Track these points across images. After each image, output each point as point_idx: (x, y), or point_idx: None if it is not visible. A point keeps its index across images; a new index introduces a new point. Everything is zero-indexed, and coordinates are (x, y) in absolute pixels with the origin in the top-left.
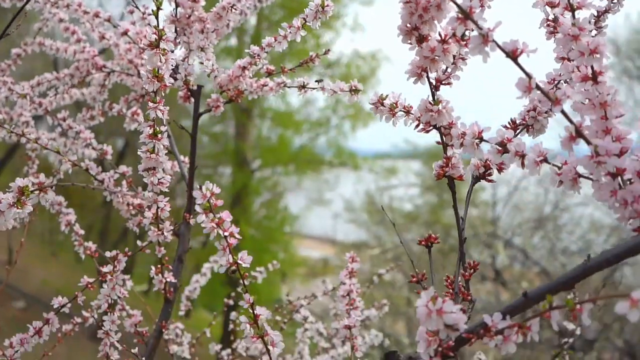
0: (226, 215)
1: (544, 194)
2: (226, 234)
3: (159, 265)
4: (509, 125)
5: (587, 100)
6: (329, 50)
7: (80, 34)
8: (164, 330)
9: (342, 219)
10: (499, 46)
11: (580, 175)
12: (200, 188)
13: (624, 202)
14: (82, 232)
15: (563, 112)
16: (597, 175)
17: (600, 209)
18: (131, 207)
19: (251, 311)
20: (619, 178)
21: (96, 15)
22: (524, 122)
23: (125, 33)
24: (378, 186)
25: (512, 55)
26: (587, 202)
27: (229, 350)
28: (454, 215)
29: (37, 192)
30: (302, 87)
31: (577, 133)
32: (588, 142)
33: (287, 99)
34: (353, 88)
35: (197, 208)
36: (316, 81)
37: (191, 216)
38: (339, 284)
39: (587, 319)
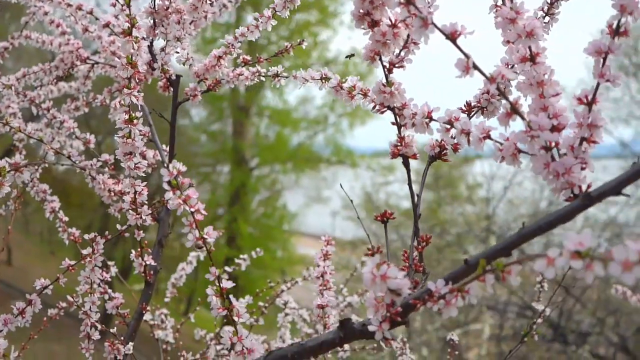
0: (192, 193)
1: (539, 190)
2: (193, 210)
3: (139, 249)
4: (464, 108)
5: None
6: (303, 40)
7: (65, 26)
8: (144, 311)
9: (340, 216)
10: (438, 28)
11: (520, 151)
12: (168, 167)
13: (556, 173)
14: (66, 218)
15: (498, 89)
16: (532, 149)
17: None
18: (112, 194)
19: (218, 284)
20: (552, 151)
21: (79, 7)
22: (478, 104)
23: (107, 25)
24: (374, 183)
25: (452, 37)
26: None
27: (212, 335)
28: (451, 212)
29: (12, 172)
30: (276, 75)
31: (513, 109)
32: (523, 118)
33: (285, 97)
34: (323, 77)
35: (165, 185)
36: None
37: None
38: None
39: (516, 280)
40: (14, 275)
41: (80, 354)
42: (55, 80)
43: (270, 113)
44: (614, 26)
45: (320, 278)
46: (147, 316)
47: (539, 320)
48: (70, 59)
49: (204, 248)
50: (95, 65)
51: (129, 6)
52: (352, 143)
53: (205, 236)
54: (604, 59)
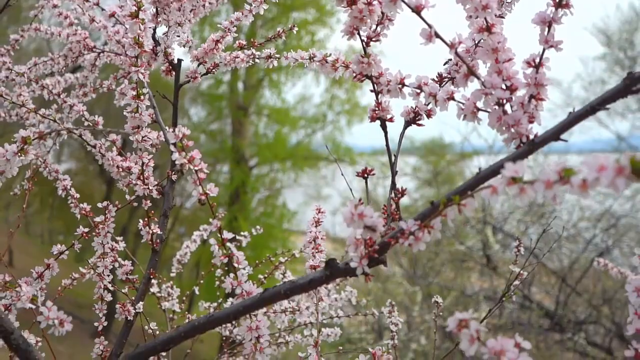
0: (196, 154)
1: None
2: (197, 168)
3: (147, 219)
4: (436, 78)
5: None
6: (294, 26)
7: (73, 18)
8: (152, 277)
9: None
10: (405, 3)
11: (478, 109)
12: (174, 130)
13: (507, 125)
14: (77, 195)
15: (457, 54)
16: (487, 105)
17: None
18: (120, 170)
19: (219, 235)
20: (505, 107)
21: (86, 0)
22: (449, 74)
23: (112, 15)
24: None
25: (417, 9)
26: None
27: (215, 304)
28: None
29: (37, 140)
30: (269, 57)
31: (470, 71)
32: (478, 78)
33: (283, 95)
34: (311, 56)
35: (171, 147)
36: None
37: (174, 174)
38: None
39: (471, 211)
40: (16, 276)
41: (82, 354)
42: (64, 69)
43: (269, 112)
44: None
45: (313, 242)
46: (154, 289)
47: (516, 282)
48: (78, 48)
49: (207, 202)
50: (101, 54)
51: None
52: (351, 141)
53: (207, 191)
54: (549, 27)
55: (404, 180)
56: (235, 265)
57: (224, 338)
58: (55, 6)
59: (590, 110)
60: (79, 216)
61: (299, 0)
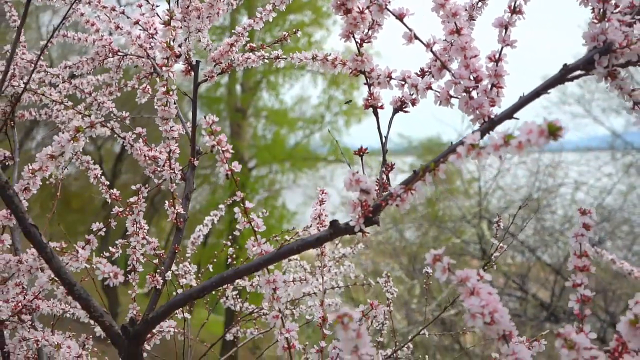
0: (223, 137)
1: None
2: (224, 149)
3: (172, 200)
4: (419, 72)
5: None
6: (297, 30)
7: (99, 25)
8: (176, 251)
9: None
10: (390, 12)
11: (451, 96)
12: (205, 117)
13: (473, 108)
14: (107, 182)
15: (432, 52)
16: (457, 92)
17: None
18: (147, 158)
19: (242, 205)
20: (471, 94)
21: (113, 9)
22: (429, 69)
23: (136, 22)
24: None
25: (400, 17)
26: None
27: None
28: (449, 207)
29: (89, 128)
30: (277, 57)
31: (442, 66)
32: (449, 71)
33: (281, 97)
34: (314, 56)
35: (203, 131)
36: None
37: (196, 159)
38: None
39: (443, 174)
40: None
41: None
42: (92, 70)
43: (267, 113)
44: (512, 6)
45: (317, 218)
46: (172, 267)
47: (497, 254)
48: (104, 52)
49: (232, 177)
50: (125, 57)
51: (168, 3)
52: (349, 141)
53: (232, 167)
54: (506, 29)
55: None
56: (255, 229)
57: (236, 312)
58: (82, 14)
59: (535, 94)
60: (110, 200)
61: (296, 2)
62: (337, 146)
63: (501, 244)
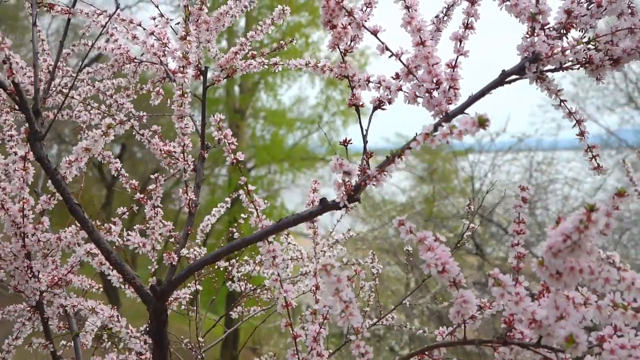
0: (229, 132)
1: (527, 177)
2: (229, 141)
3: (185, 188)
4: (394, 76)
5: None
6: (293, 39)
7: (117, 35)
8: (189, 232)
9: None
10: (366, 28)
11: (417, 96)
12: (214, 115)
13: (433, 106)
14: (127, 175)
15: (400, 60)
16: (421, 93)
17: (572, 186)
18: (162, 152)
19: (246, 187)
20: (432, 94)
21: (131, 21)
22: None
23: (152, 33)
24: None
25: (374, 32)
26: (556, 180)
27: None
28: (446, 205)
29: (118, 125)
30: (276, 63)
31: (409, 71)
32: (414, 76)
33: (279, 98)
34: (307, 63)
35: (211, 127)
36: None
37: (205, 152)
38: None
39: (417, 146)
40: None
41: (86, 353)
42: (112, 75)
43: (266, 114)
44: (465, 23)
45: (311, 204)
46: (183, 251)
47: (468, 233)
48: (122, 60)
49: (237, 165)
50: (140, 64)
51: (186, 21)
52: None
53: (237, 157)
54: (460, 42)
55: (400, 176)
56: (257, 208)
57: (240, 292)
58: (103, 26)
59: (481, 94)
60: (129, 190)
61: (293, 3)
62: (330, 143)
63: (472, 225)
